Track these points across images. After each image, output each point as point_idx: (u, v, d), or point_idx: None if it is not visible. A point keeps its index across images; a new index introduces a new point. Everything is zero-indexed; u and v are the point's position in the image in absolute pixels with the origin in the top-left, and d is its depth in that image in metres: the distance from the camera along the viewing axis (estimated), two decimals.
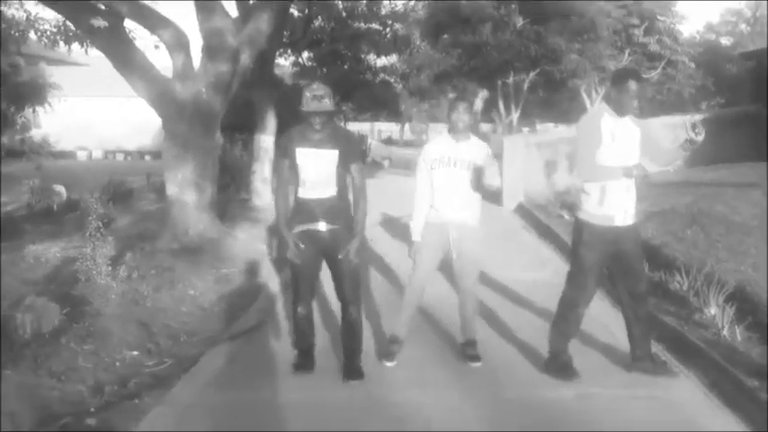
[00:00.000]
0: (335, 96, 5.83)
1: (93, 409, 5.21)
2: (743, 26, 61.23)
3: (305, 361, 6.04)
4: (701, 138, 5.54)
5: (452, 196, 6.12)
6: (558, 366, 5.88)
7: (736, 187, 12.63)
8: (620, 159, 5.58)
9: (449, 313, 6.65)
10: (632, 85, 5.56)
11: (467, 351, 6.26)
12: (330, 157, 5.65)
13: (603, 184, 5.62)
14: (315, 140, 5.66)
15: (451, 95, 40.66)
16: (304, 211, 5.77)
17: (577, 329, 5.98)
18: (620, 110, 5.63)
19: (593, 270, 5.80)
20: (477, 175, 6.07)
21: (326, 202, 5.72)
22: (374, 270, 9.70)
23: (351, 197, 5.85)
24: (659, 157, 5.92)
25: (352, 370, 5.88)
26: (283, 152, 5.87)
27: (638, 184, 5.73)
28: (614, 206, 5.63)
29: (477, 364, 6.13)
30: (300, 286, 5.90)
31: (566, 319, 5.91)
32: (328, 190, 5.71)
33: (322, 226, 5.72)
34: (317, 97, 5.56)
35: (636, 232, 5.90)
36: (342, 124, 37.53)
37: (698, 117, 5.77)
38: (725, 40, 58.76)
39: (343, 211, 5.78)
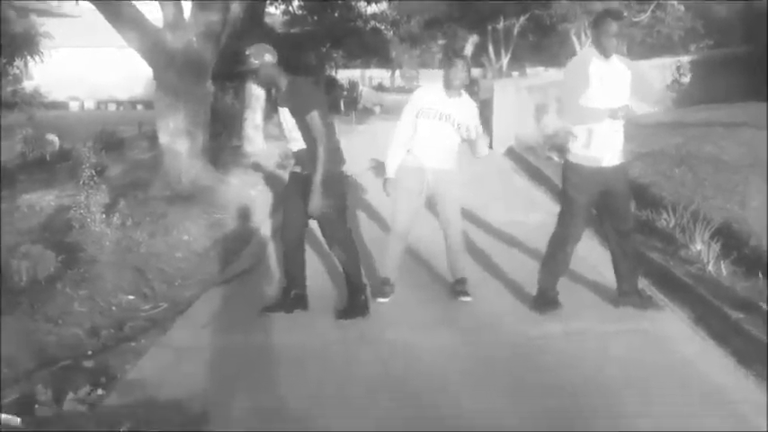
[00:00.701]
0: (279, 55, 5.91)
1: (90, 352, 5.28)
2: None
3: (278, 302, 6.18)
4: (686, 79, 5.59)
5: (433, 148, 6.20)
6: (544, 302, 5.99)
7: (724, 127, 12.66)
8: (607, 101, 5.60)
9: (440, 253, 6.72)
10: (612, 24, 5.57)
11: (457, 288, 6.37)
12: (286, 113, 5.85)
13: (590, 127, 5.65)
14: (280, 98, 5.91)
15: (440, 41, 40.44)
16: (294, 157, 6.08)
17: (566, 268, 6.07)
18: (604, 51, 5.64)
19: (581, 210, 5.87)
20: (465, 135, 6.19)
21: (299, 154, 5.93)
22: (365, 214, 9.77)
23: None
24: (649, 96, 5.96)
25: (343, 310, 6.02)
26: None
27: (626, 126, 5.76)
28: (601, 148, 5.67)
29: (468, 299, 6.24)
30: (284, 225, 6.13)
31: (554, 257, 6.00)
32: (298, 143, 5.87)
33: (298, 168, 5.99)
34: (245, 57, 5.80)
35: (623, 172, 5.94)
36: (333, 72, 37.37)
37: (684, 59, 5.78)
38: None
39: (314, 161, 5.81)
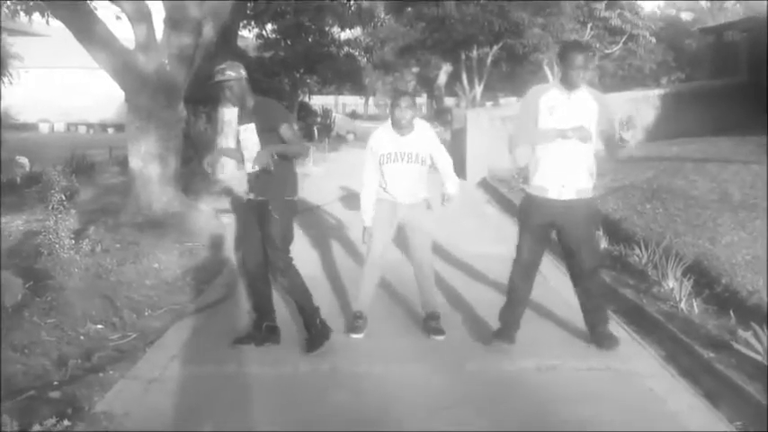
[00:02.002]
0: (249, 71, 6.02)
1: (56, 383, 5.19)
2: (703, 2, 61.72)
3: (249, 335, 6.13)
4: (629, 136, 5.62)
5: (403, 187, 6.24)
6: (495, 333, 6.01)
7: (695, 162, 12.81)
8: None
9: (413, 287, 6.71)
10: (577, 57, 5.55)
11: (429, 324, 6.34)
12: (250, 131, 5.87)
13: (538, 156, 5.68)
14: (244, 116, 5.95)
15: (414, 69, 40.74)
16: (247, 182, 6.07)
17: (519, 300, 6.01)
18: (568, 83, 5.63)
19: (527, 239, 5.87)
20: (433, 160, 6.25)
21: (254, 176, 5.92)
22: (337, 245, 9.75)
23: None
24: (609, 144, 5.95)
25: (306, 342, 5.98)
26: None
27: (587, 158, 5.71)
28: (548, 178, 5.67)
29: (441, 338, 6.20)
30: (239, 252, 6.16)
31: (512, 288, 6.01)
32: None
33: (252, 195, 5.97)
34: (219, 71, 5.84)
35: (580, 209, 5.76)
36: (306, 98, 37.45)
37: (654, 92, 5.78)
38: (685, 15, 59.25)
39: (272, 182, 5.84)
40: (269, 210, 5.81)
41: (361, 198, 6.37)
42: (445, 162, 6.30)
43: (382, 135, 6.31)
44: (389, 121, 6.27)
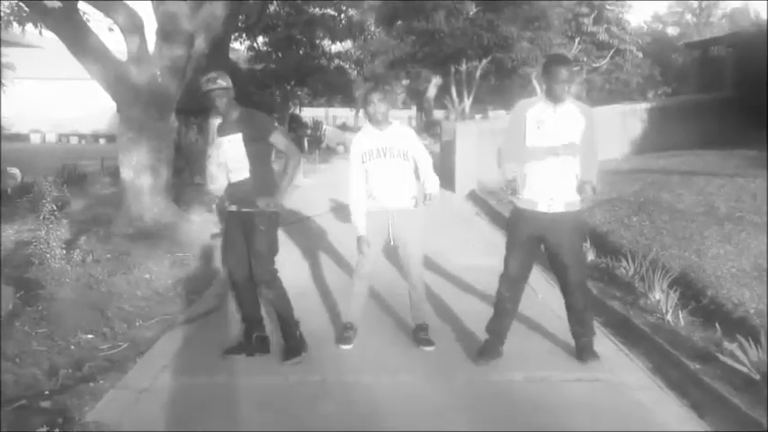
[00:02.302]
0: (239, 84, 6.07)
1: (47, 392, 5.20)
2: (689, 17, 62.21)
3: (239, 345, 6.15)
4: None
5: (388, 185, 6.23)
6: (480, 349, 6.03)
7: (681, 175, 12.91)
8: (544, 144, 5.64)
9: (403, 298, 6.75)
10: (561, 70, 5.57)
11: (419, 336, 6.37)
12: (234, 141, 5.86)
13: (526, 170, 5.71)
14: (227, 126, 5.94)
15: (404, 81, 40.84)
16: (228, 193, 6.09)
17: (506, 313, 6.04)
18: (553, 97, 5.64)
19: (516, 252, 5.89)
20: (416, 164, 6.25)
21: (236, 187, 5.96)
22: (327, 257, 9.78)
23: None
24: (585, 158, 5.90)
25: (284, 351, 6.02)
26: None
27: (575, 171, 5.72)
28: (537, 191, 5.69)
29: (430, 348, 6.23)
30: (226, 264, 6.15)
31: (500, 300, 6.03)
32: (241, 173, 5.90)
33: (234, 207, 5.99)
34: (210, 79, 5.81)
35: (568, 222, 5.78)
36: (296, 110, 37.48)
37: (641, 106, 5.75)
38: (671, 30, 59.71)
39: (257, 190, 5.87)
40: (255, 222, 5.84)
41: (350, 208, 6.37)
42: (424, 160, 6.28)
43: (361, 137, 6.37)
44: (366, 122, 6.37)
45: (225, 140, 5.93)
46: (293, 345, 6.01)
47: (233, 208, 6.01)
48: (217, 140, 6.06)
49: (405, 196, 6.28)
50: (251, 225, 5.86)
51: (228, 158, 5.95)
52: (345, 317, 6.56)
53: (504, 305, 6.01)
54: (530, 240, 5.84)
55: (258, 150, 5.87)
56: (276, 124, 6.03)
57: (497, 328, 6.04)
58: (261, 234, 5.83)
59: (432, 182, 6.28)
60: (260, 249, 5.86)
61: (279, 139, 5.90)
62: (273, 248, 6.00)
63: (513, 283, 5.96)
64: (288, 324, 6.06)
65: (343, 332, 6.40)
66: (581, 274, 6.03)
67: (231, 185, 6.01)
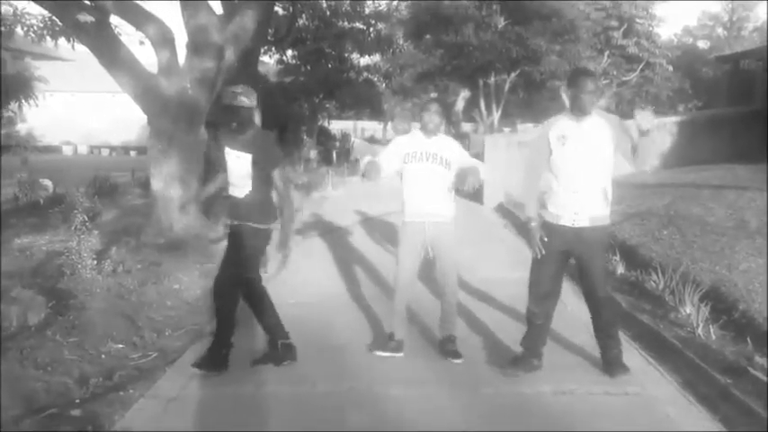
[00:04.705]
0: (265, 101, 6.08)
1: (78, 401, 5.25)
2: (719, 30, 61.80)
3: (266, 355, 6.19)
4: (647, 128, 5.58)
5: (426, 192, 6.24)
6: (520, 361, 6.00)
7: (711, 188, 12.80)
8: (570, 161, 5.63)
9: (429, 309, 6.74)
10: (585, 82, 5.56)
11: (447, 347, 6.35)
12: (246, 159, 5.84)
13: (550, 184, 5.72)
14: (238, 143, 5.89)
15: (432, 94, 40.91)
16: (229, 208, 6.15)
17: (540, 328, 6.01)
18: (579, 110, 5.61)
19: (544, 267, 5.86)
20: (457, 172, 6.24)
21: (236, 203, 5.99)
22: (356, 267, 9.80)
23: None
24: (630, 155, 5.90)
25: (264, 354, 6.13)
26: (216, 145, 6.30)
27: (603, 184, 5.70)
28: (560, 206, 5.69)
29: (459, 361, 6.21)
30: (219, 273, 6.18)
31: (531, 317, 6.00)
32: (244, 189, 5.91)
33: (236, 222, 6.02)
34: (233, 94, 5.81)
35: (591, 236, 5.72)
36: (325, 123, 37.61)
37: (649, 110, 5.70)
38: (702, 44, 59.34)
39: (255, 209, 5.91)
40: (247, 234, 5.91)
41: (376, 160, 6.41)
42: (471, 160, 6.35)
43: (407, 137, 6.50)
44: (416, 129, 6.45)
45: (233, 154, 5.90)
46: (272, 353, 6.09)
47: (234, 222, 6.02)
48: (225, 150, 5.98)
49: (442, 207, 6.29)
50: (240, 239, 5.94)
51: (232, 173, 5.96)
52: (388, 327, 6.58)
53: (535, 321, 5.98)
54: (556, 254, 5.80)
55: (264, 175, 5.89)
56: (282, 160, 6.03)
57: (530, 343, 6.02)
58: (247, 247, 5.93)
59: (479, 167, 6.29)
60: (250, 260, 5.97)
61: (279, 178, 5.92)
62: (257, 261, 6.08)
63: (542, 298, 5.92)
64: (269, 332, 6.13)
65: (387, 342, 6.44)
66: (606, 289, 6.01)
67: (232, 201, 6.02)
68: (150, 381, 5.75)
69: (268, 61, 33.14)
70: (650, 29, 41.94)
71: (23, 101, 16.80)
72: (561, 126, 5.69)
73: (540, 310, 5.93)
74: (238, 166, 5.87)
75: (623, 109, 41.37)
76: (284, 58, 33.02)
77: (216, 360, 5.96)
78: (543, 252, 5.80)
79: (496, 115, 36.93)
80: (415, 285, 6.61)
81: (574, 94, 5.60)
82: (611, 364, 5.91)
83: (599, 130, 5.65)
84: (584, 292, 5.99)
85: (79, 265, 8.07)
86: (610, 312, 6.02)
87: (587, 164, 5.62)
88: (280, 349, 6.10)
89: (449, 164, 6.22)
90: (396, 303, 6.47)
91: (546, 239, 5.78)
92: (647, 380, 5.85)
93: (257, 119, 5.93)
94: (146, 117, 10.94)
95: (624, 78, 42.33)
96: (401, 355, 6.32)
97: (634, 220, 10.93)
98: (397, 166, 6.35)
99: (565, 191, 5.66)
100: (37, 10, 11.37)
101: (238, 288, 6.09)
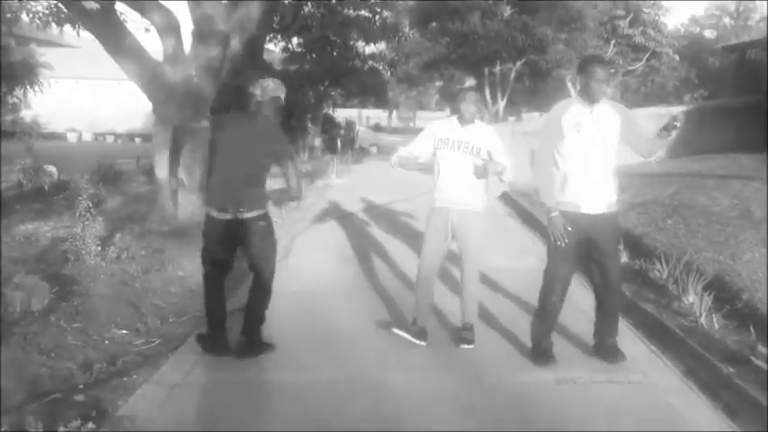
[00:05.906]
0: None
1: (81, 386, 5.26)
2: (726, 20, 61.56)
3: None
4: (677, 124, 5.60)
5: (456, 179, 6.24)
6: (538, 354, 5.98)
7: (716, 178, 12.78)
8: (585, 148, 5.62)
9: (441, 294, 6.73)
10: (597, 70, 5.56)
11: (461, 333, 6.35)
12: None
13: (565, 171, 5.69)
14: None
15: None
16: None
17: (555, 317, 6.03)
18: (589, 97, 5.62)
19: (559, 255, 5.83)
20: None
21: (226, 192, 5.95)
22: (362, 256, 9.80)
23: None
24: (640, 146, 5.91)
25: (243, 346, 6.06)
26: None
27: (619, 176, 5.77)
28: (576, 193, 5.66)
29: (469, 347, 6.21)
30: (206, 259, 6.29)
31: (543, 307, 6.00)
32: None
33: (229, 216, 5.96)
34: (268, 89, 5.86)
35: (607, 222, 5.77)
36: (330, 111, 37.57)
37: (681, 108, 5.75)
38: (708, 33, 59.13)
39: (252, 200, 5.91)
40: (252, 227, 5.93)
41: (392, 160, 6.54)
42: (501, 150, 6.30)
43: (442, 123, 6.51)
44: (452, 116, 6.47)
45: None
46: (251, 342, 6.06)
47: (228, 216, 5.96)
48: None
49: (469, 195, 6.27)
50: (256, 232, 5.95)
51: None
52: (413, 314, 6.53)
53: (551, 310, 5.99)
54: (575, 243, 5.77)
55: (266, 163, 5.88)
56: (292, 152, 6.01)
57: (546, 332, 6.04)
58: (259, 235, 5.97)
59: (507, 165, 6.30)
60: (268, 252, 6.09)
61: (289, 170, 5.90)
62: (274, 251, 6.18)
63: (560, 286, 5.91)
64: (257, 320, 6.16)
65: (410, 326, 6.42)
66: (619, 274, 6.01)
67: (230, 189, 5.94)
68: (154, 367, 5.75)
69: (273, 49, 33.08)
70: (657, 18, 41.77)
71: (28, 87, 16.75)
72: (574, 112, 5.68)
73: (557, 298, 5.93)
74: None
75: (629, 98, 41.29)
76: (290, 45, 32.95)
77: (215, 344, 6.04)
78: (567, 241, 5.77)
79: (502, 104, 36.88)
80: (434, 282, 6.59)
81: (585, 82, 5.61)
82: (609, 350, 5.94)
83: (610, 118, 5.68)
84: (596, 278, 5.96)
85: (83, 252, 8.09)
86: (619, 300, 6.07)
87: (601, 151, 5.65)
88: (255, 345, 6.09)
89: (479, 153, 6.19)
90: (419, 286, 6.46)
91: (569, 228, 5.75)
92: (650, 368, 5.87)
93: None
94: (151, 104, 10.93)
95: (630, 68, 42.20)
96: (423, 344, 6.28)
97: (639, 210, 10.92)
98: (430, 150, 6.37)
99: (582, 178, 5.65)
100: None
101: (225, 275, 6.24)
